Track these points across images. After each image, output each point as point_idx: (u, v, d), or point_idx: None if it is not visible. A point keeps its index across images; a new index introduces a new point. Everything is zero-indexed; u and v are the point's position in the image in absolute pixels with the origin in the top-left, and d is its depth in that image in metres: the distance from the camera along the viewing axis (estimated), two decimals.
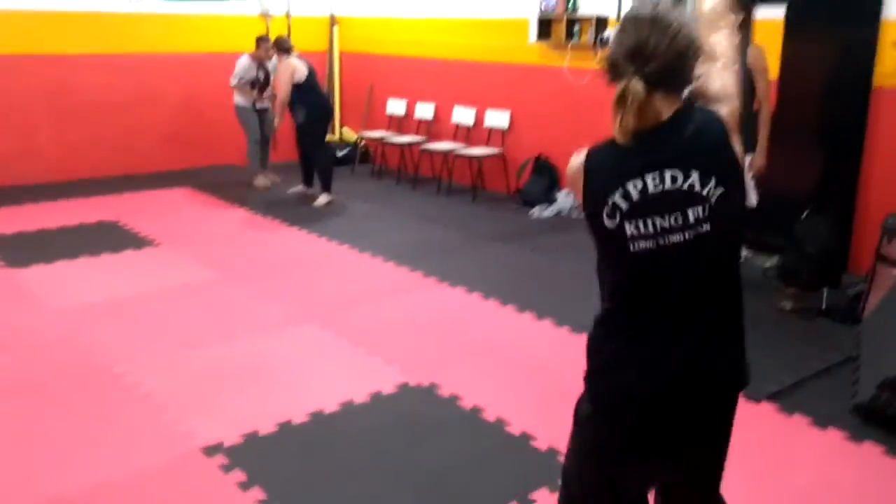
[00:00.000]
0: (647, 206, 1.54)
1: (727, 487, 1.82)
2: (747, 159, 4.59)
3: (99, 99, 7.73)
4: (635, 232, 1.55)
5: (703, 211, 1.53)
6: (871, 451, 3.04)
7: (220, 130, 8.21)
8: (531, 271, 5.17)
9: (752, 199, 4.65)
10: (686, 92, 1.60)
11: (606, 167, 1.59)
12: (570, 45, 6.65)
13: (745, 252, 5.44)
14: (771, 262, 5.07)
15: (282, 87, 6.77)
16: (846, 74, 5.02)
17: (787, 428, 3.24)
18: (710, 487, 1.79)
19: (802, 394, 3.50)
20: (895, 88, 4.79)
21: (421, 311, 4.54)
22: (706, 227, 1.54)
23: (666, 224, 1.54)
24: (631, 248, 1.56)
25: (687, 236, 1.54)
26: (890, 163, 4.85)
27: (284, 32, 8.24)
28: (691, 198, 1.53)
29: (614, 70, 1.55)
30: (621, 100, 1.52)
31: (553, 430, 3.06)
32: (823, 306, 4.40)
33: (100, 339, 4.05)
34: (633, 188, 1.54)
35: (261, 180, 7.63)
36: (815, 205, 4.74)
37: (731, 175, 1.55)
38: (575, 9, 6.61)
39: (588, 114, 6.49)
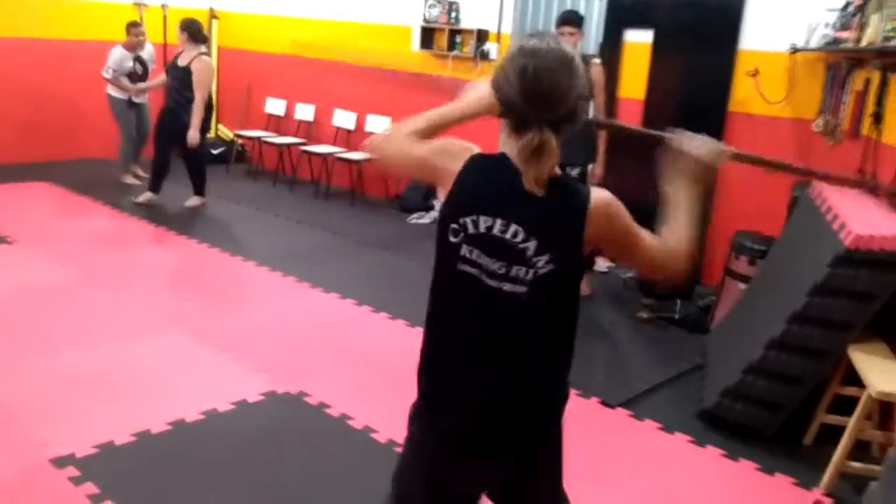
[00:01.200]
0: (483, 241, 1.55)
1: (576, 490, 1.91)
2: (590, 169, 4.86)
3: None
4: (467, 255, 1.57)
5: (527, 275, 1.53)
6: (712, 455, 3.27)
7: (87, 122, 7.80)
8: (405, 278, 5.22)
9: None
10: None
11: (473, 187, 1.57)
12: (451, 56, 6.76)
13: (607, 264, 5.71)
14: (631, 273, 5.34)
15: (204, 88, 6.29)
16: (705, 97, 5.36)
17: (638, 433, 3.43)
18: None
19: (654, 400, 3.72)
20: (746, 114, 5.16)
21: (291, 317, 4.49)
22: (523, 289, 1.54)
23: (491, 267, 1.55)
24: (458, 267, 1.58)
25: (505, 287, 1.55)
26: (739, 184, 5.21)
27: (160, 23, 7.94)
28: (522, 259, 1.53)
29: (517, 116, 1.51)
30: (537, 151, 1.48)
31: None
32: (676, 316, 4.67)
33: None
34: (481, 223, 1.54)
35: (130, 177, 7.32)
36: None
37: (571, 254, 1.54)
38: (457, 20, 6.72)
39: (468, 124, 6.60)
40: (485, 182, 1.57)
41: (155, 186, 6.60)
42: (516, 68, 1.51)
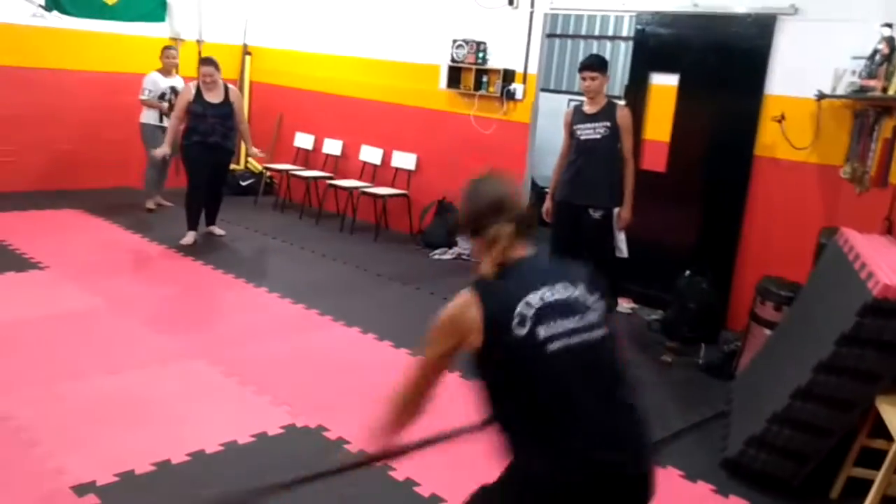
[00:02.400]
0: (551, 310, 1.75)
1: None
2: (615, 212, 4.84)
3: None
4: (545, 333, 1.73)
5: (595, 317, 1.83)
6: None
7: (122, 152, 7.98)
8: (427, 314, 5.18)
9: (624, 250, 4.89)
10: None
11: (500, 290, 1.78)
12: (478, 95, 6.84)
13: (631, 305, 5.67)
14: (655, 315, 5.30)
15: (244, 114, 6.57)
16: (730, 141, 5.36)
17: (659, 480, 3.36)
18: None
19: (676, 446, 3.66)
20: (773, 158, 5.15)
21: (313, 350, 4.50)
22: (600, 330, 1.83)
23: (570, 325, 1.76)
24: (547, 350, 1.72)
25: (587, 337, 1.78)
26: (765, 228, 5.19)
27: (195, 57, 8.11)
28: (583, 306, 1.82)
29: (479, 222, 1.87)
30: (492, 243, 1.82)
31: (437, 477, 3.09)
32: (701, 361, 4.62)
33: None
34: (535, 298, 1.76)
35: (153, 203, 7.45)
36: (697, 263, 5.01)
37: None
38: (484, 60, 6.81)
39: (492, 161, 6.66)
40: (527, 268, 1.84)
41: (196, 224, 6.57)
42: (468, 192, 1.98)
